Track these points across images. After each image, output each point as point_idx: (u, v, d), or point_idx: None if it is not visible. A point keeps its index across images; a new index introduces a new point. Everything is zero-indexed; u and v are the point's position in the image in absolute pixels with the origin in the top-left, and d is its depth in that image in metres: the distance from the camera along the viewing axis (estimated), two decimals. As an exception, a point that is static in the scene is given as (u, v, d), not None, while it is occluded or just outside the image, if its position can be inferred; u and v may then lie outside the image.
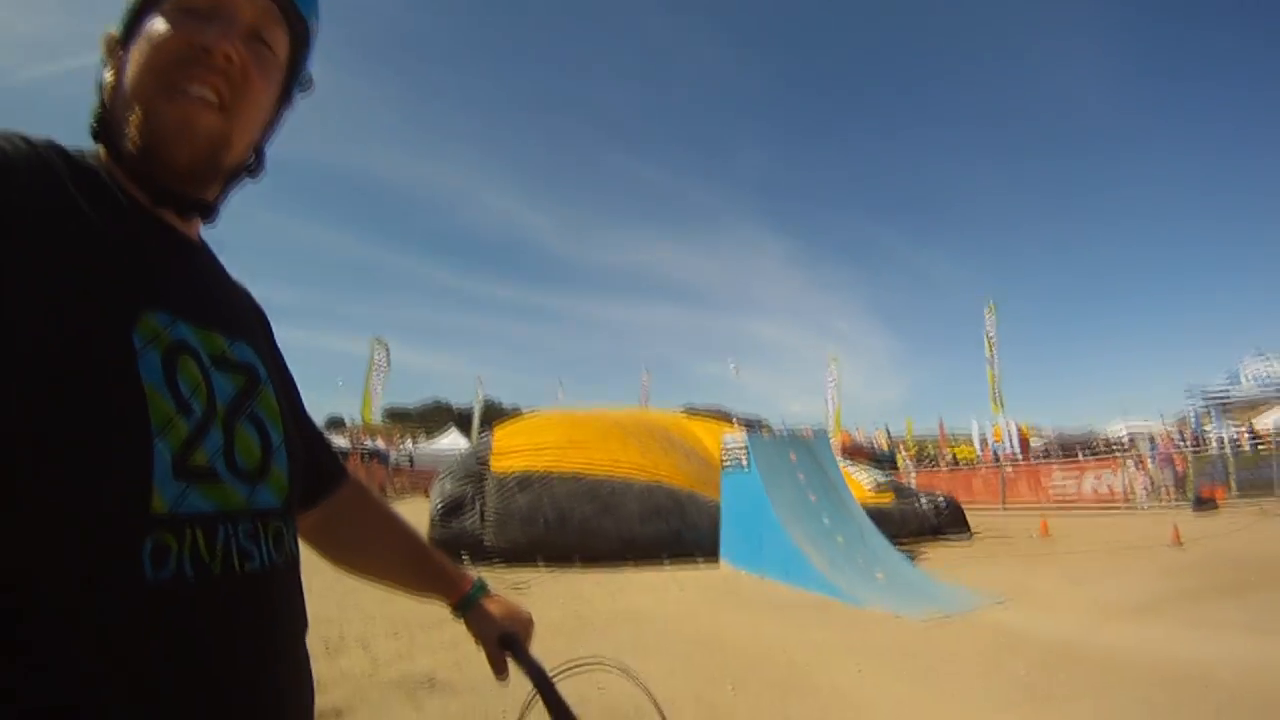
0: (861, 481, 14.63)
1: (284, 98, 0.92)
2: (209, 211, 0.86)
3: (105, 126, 0.79)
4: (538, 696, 0.98)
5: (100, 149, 0.79)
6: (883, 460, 27.42)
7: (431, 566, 1.19)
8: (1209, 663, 4.85)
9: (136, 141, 0.75)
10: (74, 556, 0.62)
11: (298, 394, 1.02)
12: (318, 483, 1.06)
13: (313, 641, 0.82)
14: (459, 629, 1.16)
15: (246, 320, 0.92)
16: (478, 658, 1.13)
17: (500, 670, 1.12)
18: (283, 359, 1.01)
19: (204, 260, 0.89)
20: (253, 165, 0.90)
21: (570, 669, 1.06)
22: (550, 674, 1.01)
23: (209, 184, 0.84)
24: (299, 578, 0.87)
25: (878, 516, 10.96)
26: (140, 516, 0.65)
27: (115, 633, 0.62)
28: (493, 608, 1.15)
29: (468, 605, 1.15)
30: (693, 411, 20.01)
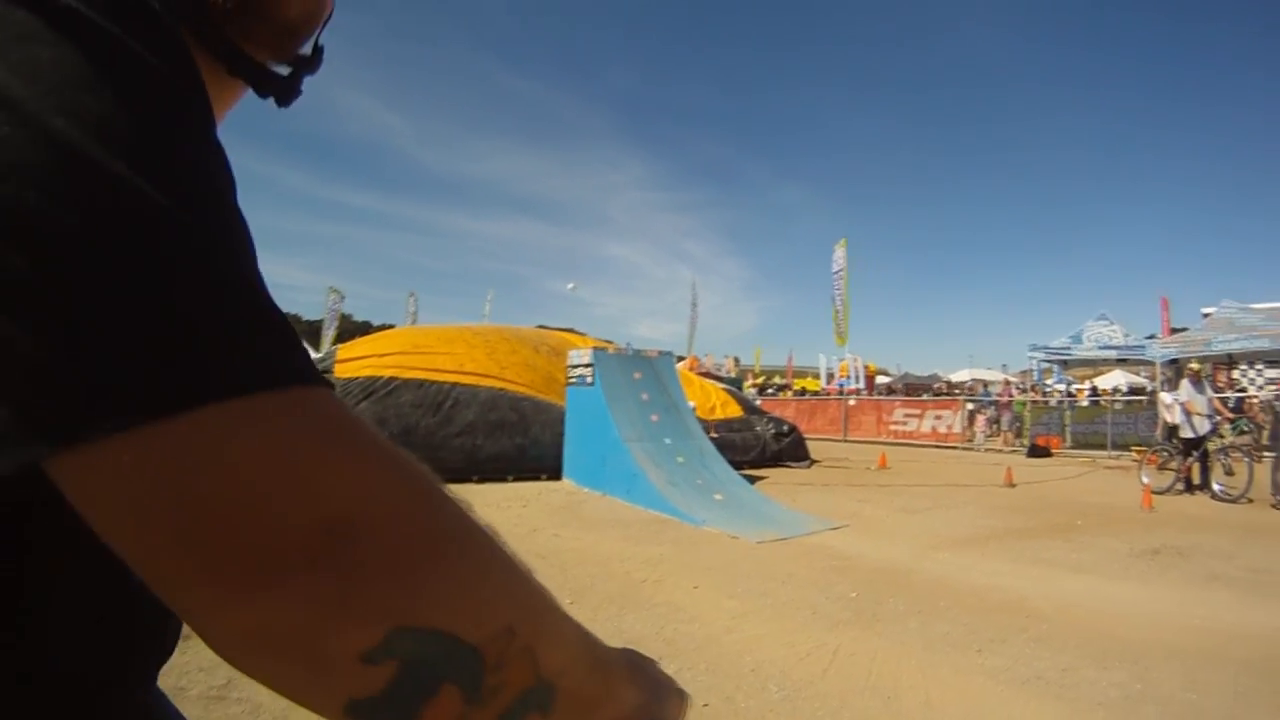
0: (718, 385, 16.49)
1: None
2: (287, 93, 0.64)
3: None
4: None
5: None
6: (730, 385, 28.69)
7: None
8: (1029, 594, 5.33)
9: None
10: None
11: None
12: None
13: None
14: None
15: None
16: None
17: None
18: None
19: None
20: (310, 57, 0.66)
21: None
22: None
23: (297, 48, 0.63)
24: None
25: (719, 442, 11.59)
26: None
27: None
28: None
29: None
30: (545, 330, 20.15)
